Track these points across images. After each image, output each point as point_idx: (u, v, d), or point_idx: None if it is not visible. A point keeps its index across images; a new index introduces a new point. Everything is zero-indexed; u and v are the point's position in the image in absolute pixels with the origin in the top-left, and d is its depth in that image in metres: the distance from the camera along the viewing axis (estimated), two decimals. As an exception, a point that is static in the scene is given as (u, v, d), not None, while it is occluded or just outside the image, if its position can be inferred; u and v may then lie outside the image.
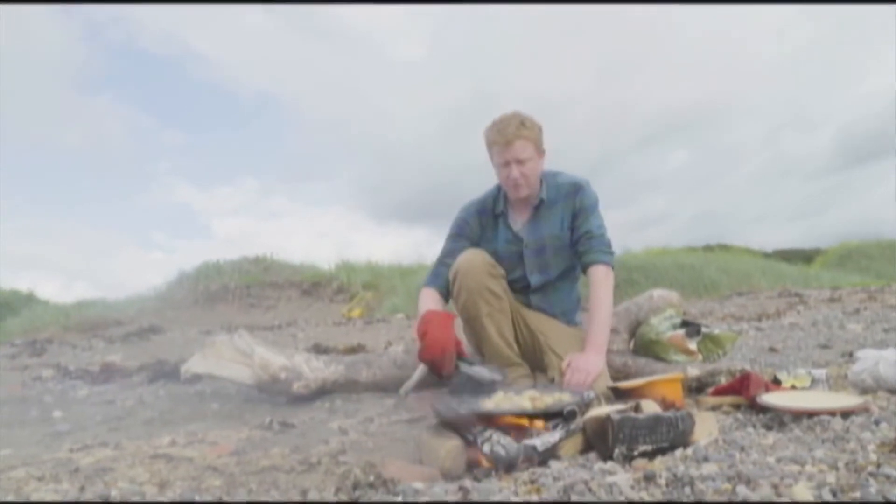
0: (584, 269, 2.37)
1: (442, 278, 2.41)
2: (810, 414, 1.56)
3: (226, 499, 1.38)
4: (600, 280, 2.30)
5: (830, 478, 1.05)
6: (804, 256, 20.27)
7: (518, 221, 2.44)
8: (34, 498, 1.40)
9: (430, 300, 2.36)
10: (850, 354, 3.02)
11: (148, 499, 1.37)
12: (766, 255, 18.79)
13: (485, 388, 2.00)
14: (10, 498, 1.40)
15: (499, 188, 2.47)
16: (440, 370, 1.97)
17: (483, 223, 2.48)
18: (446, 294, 2.41)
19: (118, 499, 1.36)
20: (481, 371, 2.07)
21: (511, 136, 2.27)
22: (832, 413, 1.54)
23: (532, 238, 2.41)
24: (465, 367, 2.03)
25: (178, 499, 1.37)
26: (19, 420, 2.56)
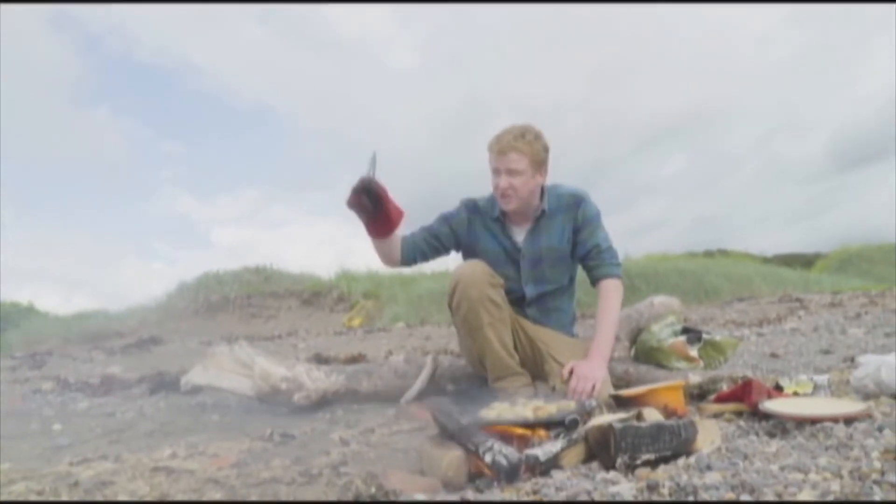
0: (595, 282, 2.39)
1: (409, 240, 2.42)
2: (813, 421, 1.55)
3: (226, 512, 1.37)
4: (610, 292, 2.33)
5: (835, 486, 1.04)
6: (804, 261, 20.23)
7: (517, 231, 2.43)
8: (34, 513, 1.39)
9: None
10: (852, 359, 3.01)
11: (148, 513, 1.37)
12: (766, 260, 18.80)
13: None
14: (10, 513, 1.39)
15: None
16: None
17: (471, 220, 2.46)
18: (408, 251, 2.41)
19: (118, 513, 1.36)
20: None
21: (505, 145, 2.25)
22: (835, 420, 1.54)
23: (530, 249, 2.40)
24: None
25: (178, 512, 1.36)
26: (19, 433, 2.55)
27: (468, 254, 2.50)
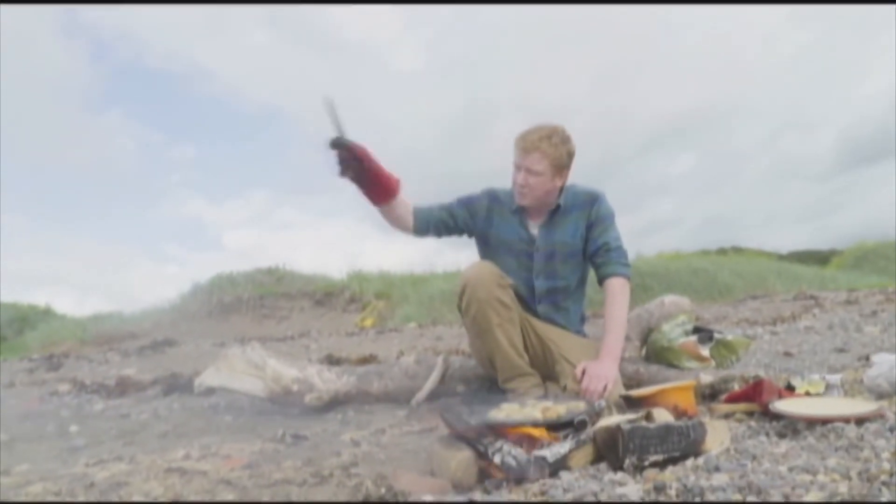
0: (601, 281, 2.40)
1: (424, 211, 2.41)
2: (824, 421, 1.54)
3: (238, 513, 1.39)
4: (617, 291, 2.34)
5: (843, 487, 1.04)
6: (820, 258, 20.02)
7: (533, 224, 2.46)
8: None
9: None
10: (867, 358, 2.98)
11: (162, 513, 1.39)
12: (781, 257, 18.61)
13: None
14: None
15: None
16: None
17: (491, 207, 2.47)
18: (421, 221, 2.39)
19: (133, 514, 1.38)
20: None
21: (530, 144, 2.29)
22: (846, 420, 1.53)
23: (544, 242, 2.42)
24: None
25: (191, 513, 1.38)
26: (37, 435, 2.59)
27: (482, 242, 2.52)
